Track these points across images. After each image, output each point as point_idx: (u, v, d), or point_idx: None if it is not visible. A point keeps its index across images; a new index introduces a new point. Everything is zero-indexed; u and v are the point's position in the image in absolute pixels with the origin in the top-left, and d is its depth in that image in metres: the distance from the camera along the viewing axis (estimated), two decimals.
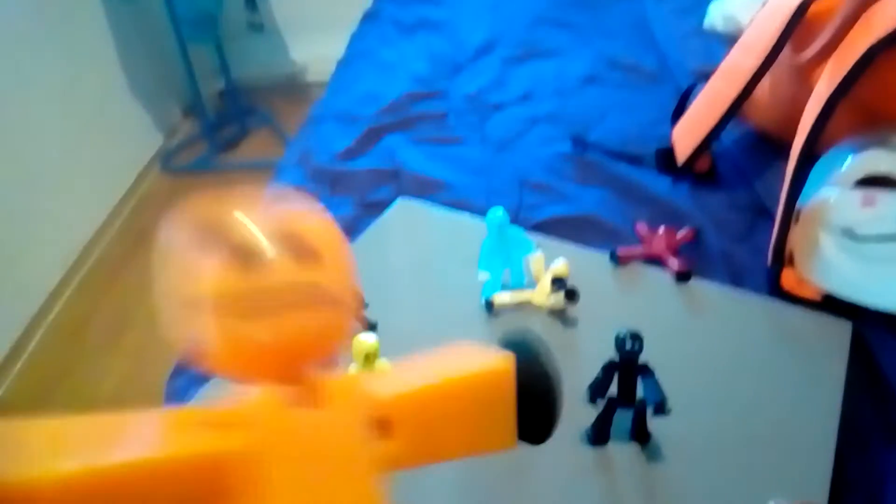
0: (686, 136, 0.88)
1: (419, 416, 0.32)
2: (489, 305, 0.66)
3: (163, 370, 0.68)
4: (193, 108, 2.32)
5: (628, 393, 0.52)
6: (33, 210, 1.71)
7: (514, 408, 0.34)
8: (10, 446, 0.25)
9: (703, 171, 0.87)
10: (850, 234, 0.64)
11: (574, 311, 0.66)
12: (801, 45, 0.75)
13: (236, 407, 0.28)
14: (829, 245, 0.65)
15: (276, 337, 0.26)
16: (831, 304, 0.65)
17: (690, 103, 0.91)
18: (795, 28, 0.73)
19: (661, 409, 0.50)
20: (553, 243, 0.73)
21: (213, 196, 0.27)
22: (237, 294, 0.26)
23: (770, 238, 0.69)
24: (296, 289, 0.27)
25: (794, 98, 0.73)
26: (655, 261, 0.72)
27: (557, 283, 0.65)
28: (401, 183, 0.90)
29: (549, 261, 0.66)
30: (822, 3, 0.72)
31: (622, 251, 0.73)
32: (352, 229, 0.81)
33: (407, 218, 0.82)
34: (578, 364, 0.53)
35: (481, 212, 0.70)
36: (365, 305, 0.64)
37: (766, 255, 0.70)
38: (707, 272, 0.71)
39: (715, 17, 1.16)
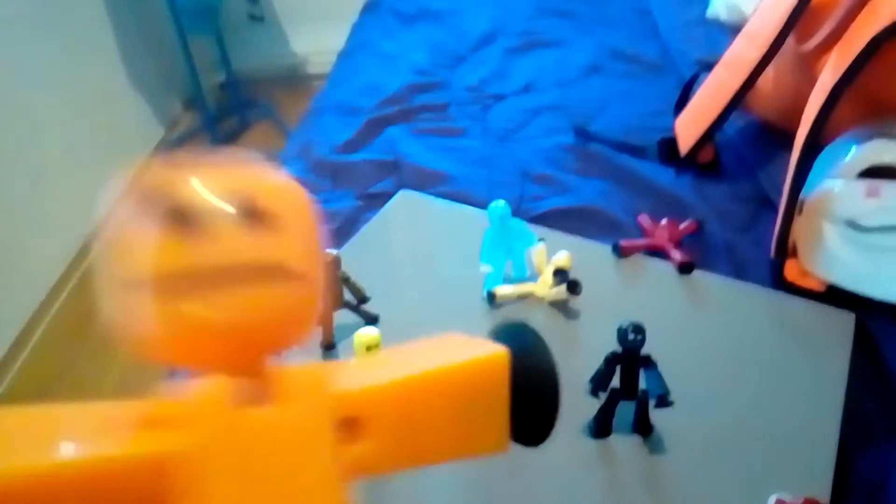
0: (689, 127, 0.87)
1: (394, 413, 0.28)
2: (491, 298, 0.66)
3: (164, 366, 0.68)
4: (194, 100, 2.32)
5: (631, 385, 0.52)
6: (35, 204, 1.71)
7: (507, 405, 0.30)
8: None
9: (706, 162, 0.87)
10: (853, 224, 0.63)
11: (576, 303, 0.66)
12: (805, 35, 0.75)
13: (178, 401, 0.25)
14: (832, 236, 0.64)
15: (222, 316, 0.22)
16: (835, 296, 0.64)
17: (693, 94, 0.91)
18: (799, 17, 0.73)
19: (663, 401, 0.50)
20: (555, 235, 0.73)
21: (162, 163, 0.23)
22: (176, 267, 0.22)
23: (773, 229, 0.69)
24: (247, 259, 0.22)
25: (798, 88, 0.73)
26: (658, 252, 0.72)
27: (559, 275, 0.64)
28: (402, 175, 0.90)
29: (551, 253, 0.66)
30: None
31: (624, 243, 0.72)
32: (353, 221, 0.81)
33: (408, 210, 0.82)
34: (580, 356, 0.53)
35: (483, 204, 0.69)
36: (366, 299, 0.64)
37: (770, 247, 0.69)
38: (710, 264, 0.71)
39: (718, 7, 1.16)
